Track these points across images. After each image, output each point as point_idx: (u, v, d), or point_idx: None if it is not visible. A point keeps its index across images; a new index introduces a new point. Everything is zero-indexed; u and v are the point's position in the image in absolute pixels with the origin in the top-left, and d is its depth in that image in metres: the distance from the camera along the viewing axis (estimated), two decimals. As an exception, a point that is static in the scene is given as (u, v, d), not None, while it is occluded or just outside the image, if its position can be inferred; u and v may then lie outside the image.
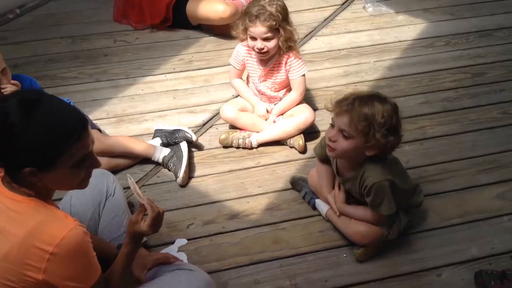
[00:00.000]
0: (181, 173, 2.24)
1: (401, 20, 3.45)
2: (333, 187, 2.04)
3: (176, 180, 2.26)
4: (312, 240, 2.05)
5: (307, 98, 2.75)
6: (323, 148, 1.95)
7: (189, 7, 3.22)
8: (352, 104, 1.74)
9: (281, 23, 2.23)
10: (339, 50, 3.19)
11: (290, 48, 2.33)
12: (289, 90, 2.48)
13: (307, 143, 2.47)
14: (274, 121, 2.44)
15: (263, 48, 2.26)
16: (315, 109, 2.68)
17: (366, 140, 1.74)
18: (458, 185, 2.27)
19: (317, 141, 2.50)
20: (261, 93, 2.48)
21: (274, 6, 2.22)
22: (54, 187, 1.38)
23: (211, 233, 2.07)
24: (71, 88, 2.87)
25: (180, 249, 2.01)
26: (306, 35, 3.32)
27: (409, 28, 3.36)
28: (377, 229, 1.93)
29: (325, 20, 3.47)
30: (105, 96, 2.81)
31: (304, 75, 2.42)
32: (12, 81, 2.05)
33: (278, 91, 2.47)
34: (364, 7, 3.54)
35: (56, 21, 3.44)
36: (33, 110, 1.25)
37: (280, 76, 2.41)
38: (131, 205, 2.14)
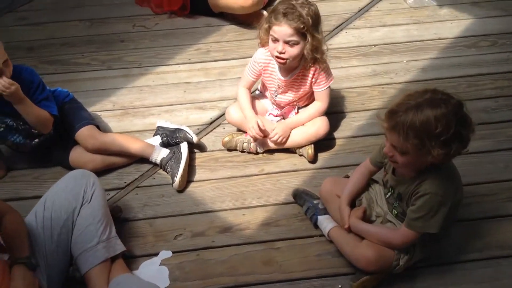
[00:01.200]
0: (178, 178, 2.10)
1: (444, 15, 3.11)
2: (353, 201, 1.84)
3: (172, 184, 2.12)
4: (307, 265, 1.86)
5: (326, 100, 2.53)
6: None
7: (210, -7, 3.03)
8: (401, 118, 1.50)
9: (310, 28, 1.96)
10: (369, 46, 2.91)
11: (315, 60, 2.07)
12: (308, 100, 2.27)
13: (318, 153, 2.26)
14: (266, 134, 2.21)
15: (283, 53, 2.00)
16: (333, 112, 2.46)
17: (424, 154, 1.52)
18: (483, 212, 2.01)
19: (330, 151, 2.30)
20: (276, 104, 2.27)
21: (306, 8, 1.96)
22: None
23: (198, 247, 1.93)
24: (82, 75, 2.77)
25: (163, 262, 1.88)
26: (336, 28, 3.06)
27: (451, 24, 3.03)
28: (388, 257, 1.72)
29: (359, 11, 3.19)
30: (115, 85, 2.69)
31: (331, 84, 2.20)
32: (10, 81, 1.94)
33: (298, 103, 2.26)
34: (404, -2, 3.23)
35: (77, 3, 3.33)
36: None
37: (303, 89, 2.19)
38: (118, 210, 2.03)
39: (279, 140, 2.18)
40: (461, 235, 1.92)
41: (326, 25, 3.02)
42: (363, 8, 3.22)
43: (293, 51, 2.00)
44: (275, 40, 2.00)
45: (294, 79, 2.16)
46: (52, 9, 3.29)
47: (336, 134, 2.37)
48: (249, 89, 2.28)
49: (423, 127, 1.47)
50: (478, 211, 2.01)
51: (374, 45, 2.91)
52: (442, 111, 1.48)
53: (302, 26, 1.95)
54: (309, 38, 1.98)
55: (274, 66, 2.16)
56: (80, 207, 1.73)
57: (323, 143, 2.30)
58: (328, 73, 2.15)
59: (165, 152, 2.19)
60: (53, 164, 2.25)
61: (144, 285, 1.67)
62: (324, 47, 2.08)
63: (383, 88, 2.63)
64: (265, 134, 2.19)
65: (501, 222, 1.97)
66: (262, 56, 2.15)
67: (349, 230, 1.79)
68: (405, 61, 2.78)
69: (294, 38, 1.98)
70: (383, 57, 2.83)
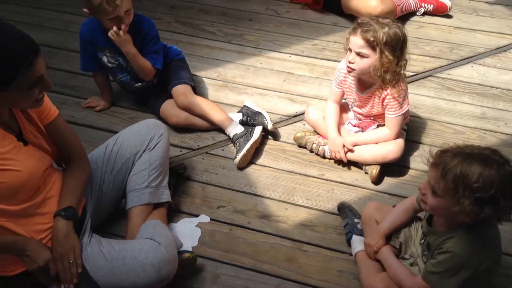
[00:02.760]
0: (240, 156, 2.23)
1: None
2: (390, 232, 1.81)
3: (233, 160, 2.25)
4: (325, 276, 1.87)
5: (416, 127, 2.44)
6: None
7: (344, -7, 3.06)
8: (447, 158, 1.47)
9: (382, 45, 1.95)
10: (490, 87, 2.71)
11: (385, 82, 2.04)
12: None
13: (385, 176, 2.21)
14: (352, 150, 2.20)
15: (352, 63, 2.02)
16: (418, 141, 2.37)
17: (454, 204, 1.47)
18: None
19: (398, 178, 2.24)
20: (357, 114, 2.27)
21: (386, 27, 1.95)
22: (8, 105, 1.52)
23: (234, 223, 2.04)
24: (203, 41, 3.01)
25: (199, 225, 2.04)
26: (463, 59, 2.89)
27: None
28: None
29: (496, 49, 2.96)
30: (226, 58, 2.89)
31: (402, 114, 2.14)
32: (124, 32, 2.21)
33: (377, 120, 2.23)
34: (553, 47, 2.92)
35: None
36: None
37: (376, 109, 2.17)
38: (183, 167, 2.22)
39: (331, 156, 2.21)
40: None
41: (454, 54, 2.92)
42: (503, 47, 2.98)
43: (361, 63, 2.00)
44: (349, 49, 2.03)
45: (369, 97, 2.14)
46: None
47: (412, 164, 2.29)
48: (338, 103, 2.29)
49: (463, 176, 1.41)
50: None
51: (496, 87, 2.70)
52: (491, 172, 1.40)
53: (372, 40, 1.94)
54: (378, 54, 1.95)
55: (353, 79, 2.16)
56: (143, 152, 1.94)
57: (395, 168, 2.24)
58: (401, 101, 2.09)
59: (240, 129, 2.32)
60: (148, 111, 2.52)
61: (163, 233, 1.77)
62: (399, 70, 2.02)
63: (484, 133, 2.45)
64: None
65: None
66: (344, 66, 2.15)
67: (375, 253, 1.76)
68: (522, 113, 2.55)
69: (364, 51, 1.98)
70: (500, 102, 2.61)
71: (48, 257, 1.58)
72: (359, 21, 2.02)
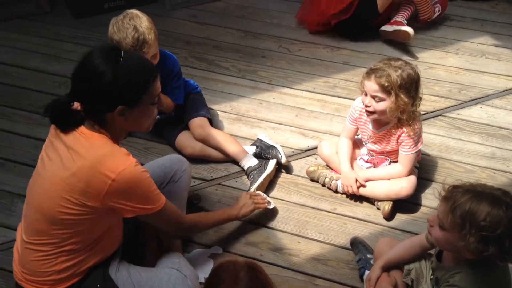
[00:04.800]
0: (254, 187, 2.25)
1: None
2: (389, 265, 1.81)
3: (247, 191, 2.28)
4: (337, 310, 1.87)
5: (427, 165, 2.47)
6: None
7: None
8: (458, 194, 1.51)
9: (396, 89, 2.00)
10: (500, 127, 2.75)
11: (401, 121, 2.09)
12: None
13: (398, 212, 2.23)
14: (365, 185, 2.23)
15: (369, 106, 2.08)
16: (430, 179, 2.40)
17: (459, 239, 1.50)
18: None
19: (411, 215, 2.25)
20: (370, 150, 2.31)
21: (399, 70, 2.01)
22: (131, 126, 1.64)
23: (246, 255, 2.05)
24: (218, 76, 3.08)
25: (211, 256, 2.04)
26: (472, 100, 2.94)
27: None
28: None
29: (504, 91, 3.02)
30: (240, 93, 2.95)
31: (416, 152, 2.18)
32: None
33: (390, 157, 2.27)
34: (561, 90, 2.97)
35: (242, 14, 3.70)
36: (118, 59, 1.51)
37: (391, 146, 2.21)
38: (197, 198, 2.24)
39: (344, 190, 2.25)
40: None
41: (462, 95, 2.98)
42: (511, 89, 3.03)
43: (378, 106, 2.06)
44: (365, 93, 2.08)
45: (384, 134, 2.18)
46: (220, 13, 3.71)
47: (424, 202, 2.30)
48: (351, 139, 2.33)
49: (471, 213, 1.44)
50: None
51: (505, 128, 2.74)
52: (499, 212, 1.43)
53: (387, 85, 1.99)
54: (393, 97, 2.00)
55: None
56: (166, 184, 1.97)
57: (407, 205, 2.26)
58: (416, 139, 2.13)
59: (254, 161, 2.35)
60: (163, 142, 2.56)
61: (188, 266, 1.81)
62: (414, 110, 2.07)
63: (494, 173, 2.47)
64: None
65: None
66: (359, 104, 2.21)
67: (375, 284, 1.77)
68: (532, 155, 2.58)
69: (379, 95, 2.03)
70: (509, 143, 2.65)
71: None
72: (372, 66, 2.08)
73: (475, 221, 1.43)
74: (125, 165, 1.51)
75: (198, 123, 2.46)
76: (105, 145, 1.55)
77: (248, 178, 2.35)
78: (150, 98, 1.58)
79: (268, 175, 2.30)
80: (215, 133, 2.44)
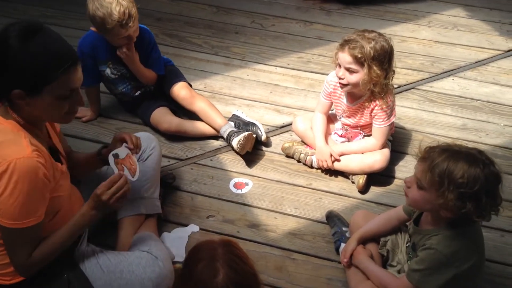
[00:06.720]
0: (238, 138, 2.23)
1: None
2: (365, 237, 1.84)
3: (232, 143, 2.27)
4: (314, 284, 1.88)
5: (400, 138, 2.49)
6: None
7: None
8: (435, 154, 1.54)
9: (369, 60, 2.00)
10: (471, 99, 2.78)
11: (374, 94, 2.10)
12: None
13: (372, 185, 2.25)
14: (339, 160, 2.23)
15: (343, 78, 2.08)
16: (403, 152, 2.42)
17: (437, 197, 1.52)
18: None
19: (385, 187, 2.27)
20: (344, 124, 2.32)
21: (373, 42, 2.00)
22: (39, 115, 1.46)
23: (223, 232, 2.05)
24: (190, 53, 3.04)
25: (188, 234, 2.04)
26: (444, 72, 2.97)
27: None
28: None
29: (475, 62, 3.05)
30: (214, 70, 2.91)
31: (389, 125, 2.19)
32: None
33: (364, 131, 2.28)
34: (530, 61, 3.02)
35: (215, -11, 3.64)
36: (30, 37, 1.36)
37: (364, 119, 2.22)
38: (171, 177, 2.22)
39: (319, 165, 2.25)
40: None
41: (435, 67, 3.00)
42: (482, 60, 3.07)
43: (351, 78, 2.05)
44: (339, 65, 2.07)
45: (358, 108, 2.19)
46: (191, -11, 3.63)
47: (398, 174, 2.33)
48: (326, 113, 2.33)
49: (449, 171, 1.48)
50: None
51: (477, 100, 2.78)
52: (476, 170, 1.47)
53: (360, 56, 1.99)
54: (366, 69, 2.00)
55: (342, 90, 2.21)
56: None
57: (381, 178, 2.28)
58: (389, 112, 2.14)
59: (235, 128, 2.35)
60: (136, 121, 2.52)
61: (159, 247, 1.80)
62: (387, 82, 2.07)
63: (466, 144, 2.49)
64: None
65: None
66: (333, 78, 2.20)
67: (347, 264, 1.80)
68: (502, 125, 2.62)
69: (353, 66, 2.03)
70: (481, 114, 2.69)
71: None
72: (345, 38, 2.07)
73: (453, 179, 1.46)
74: (16, 156, 1.35)
75: (182, 85, 2.47)
76: (2, 133, 1.41)
77: (228, 141, 2.31)
78: (56, 91, 1.39)
79: (250, 134, 2.26)
80: (201, 98, 2.46)
